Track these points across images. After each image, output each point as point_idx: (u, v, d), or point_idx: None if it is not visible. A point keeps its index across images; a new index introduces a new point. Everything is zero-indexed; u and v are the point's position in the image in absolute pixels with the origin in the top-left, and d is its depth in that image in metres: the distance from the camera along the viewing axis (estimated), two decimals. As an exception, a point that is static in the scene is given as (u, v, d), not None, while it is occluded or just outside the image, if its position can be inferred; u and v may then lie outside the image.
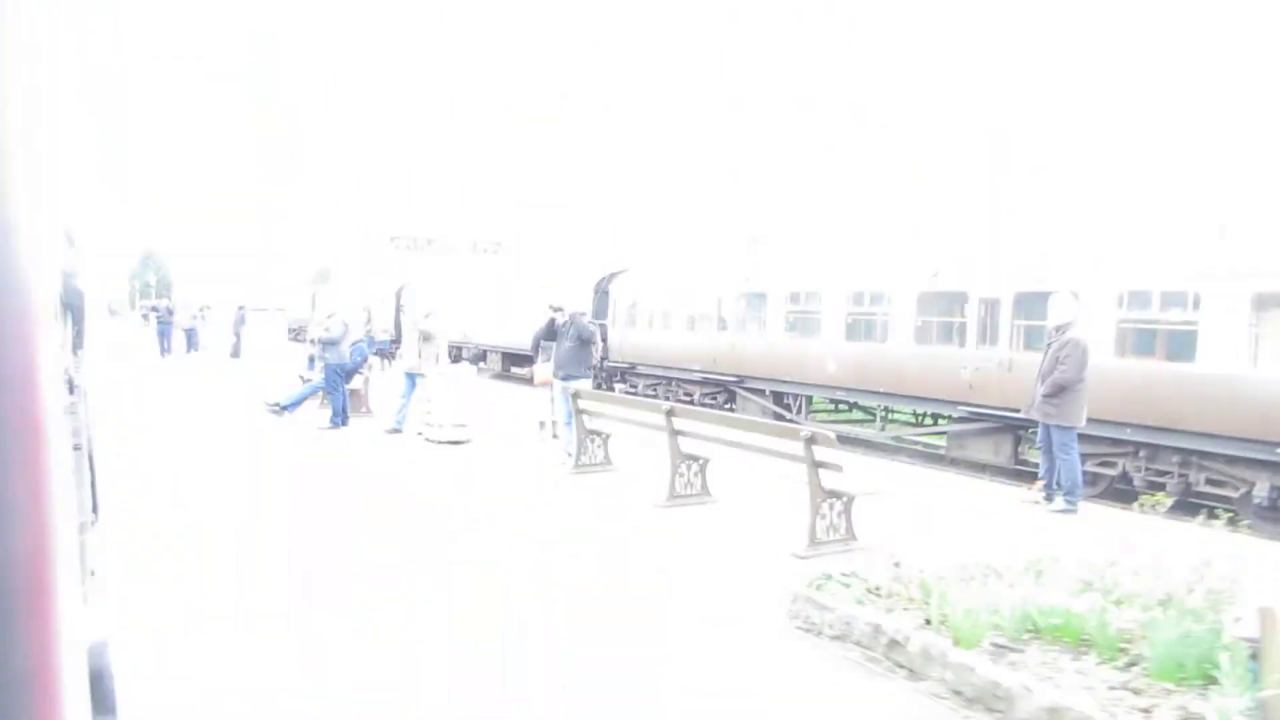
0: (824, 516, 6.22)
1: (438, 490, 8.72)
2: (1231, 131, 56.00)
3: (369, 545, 6.58)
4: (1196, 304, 10.46)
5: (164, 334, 28.23)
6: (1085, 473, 11.58)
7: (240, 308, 28.25)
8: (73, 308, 12.02)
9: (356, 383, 14.25)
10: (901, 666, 4.05)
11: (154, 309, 33.42)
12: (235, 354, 25.21)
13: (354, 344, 13.60)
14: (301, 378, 17.55)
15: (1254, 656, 3.31)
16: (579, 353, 9.51)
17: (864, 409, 17.26)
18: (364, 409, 14.41)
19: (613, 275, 24.15)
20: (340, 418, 13.13)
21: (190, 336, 29.11)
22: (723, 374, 18.63)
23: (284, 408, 13.98)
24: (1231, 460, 10.10)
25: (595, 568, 6.07)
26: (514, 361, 25.35)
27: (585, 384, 9.46)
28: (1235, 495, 10.05)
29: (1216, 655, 3.37)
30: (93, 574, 2.59)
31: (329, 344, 13.20)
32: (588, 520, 7.41)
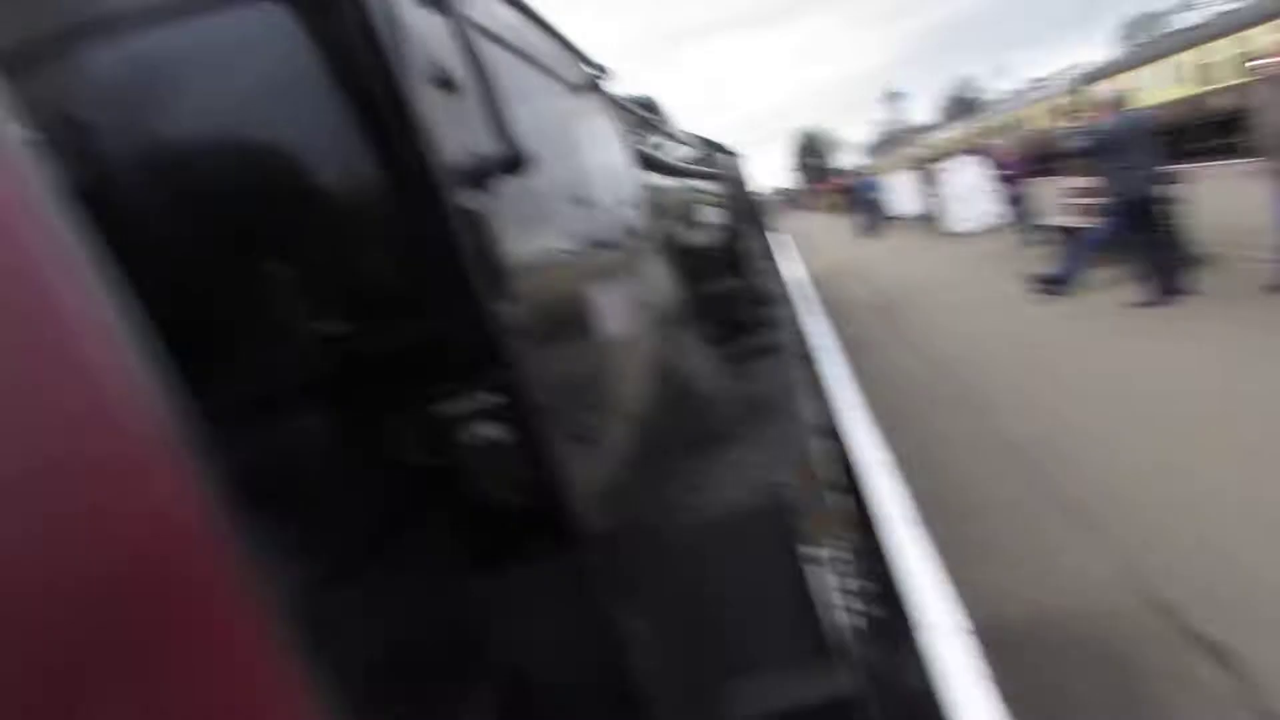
0: None
1: None
2: None
3: None
4: None
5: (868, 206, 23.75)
6: None
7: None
8: (751, 217, 9.04)
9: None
10: None
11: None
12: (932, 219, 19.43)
13: (1138, 158, 7.78)
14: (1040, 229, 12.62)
15: None
16: None
17: None
18: (1177, 266, 8.02)
19: None
20: (1167, 283, 7.69)
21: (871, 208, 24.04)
22: None
23: (1055, 281, 9.37)
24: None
25: None
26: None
27: None
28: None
29: None
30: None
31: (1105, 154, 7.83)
32: None
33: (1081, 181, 9.23)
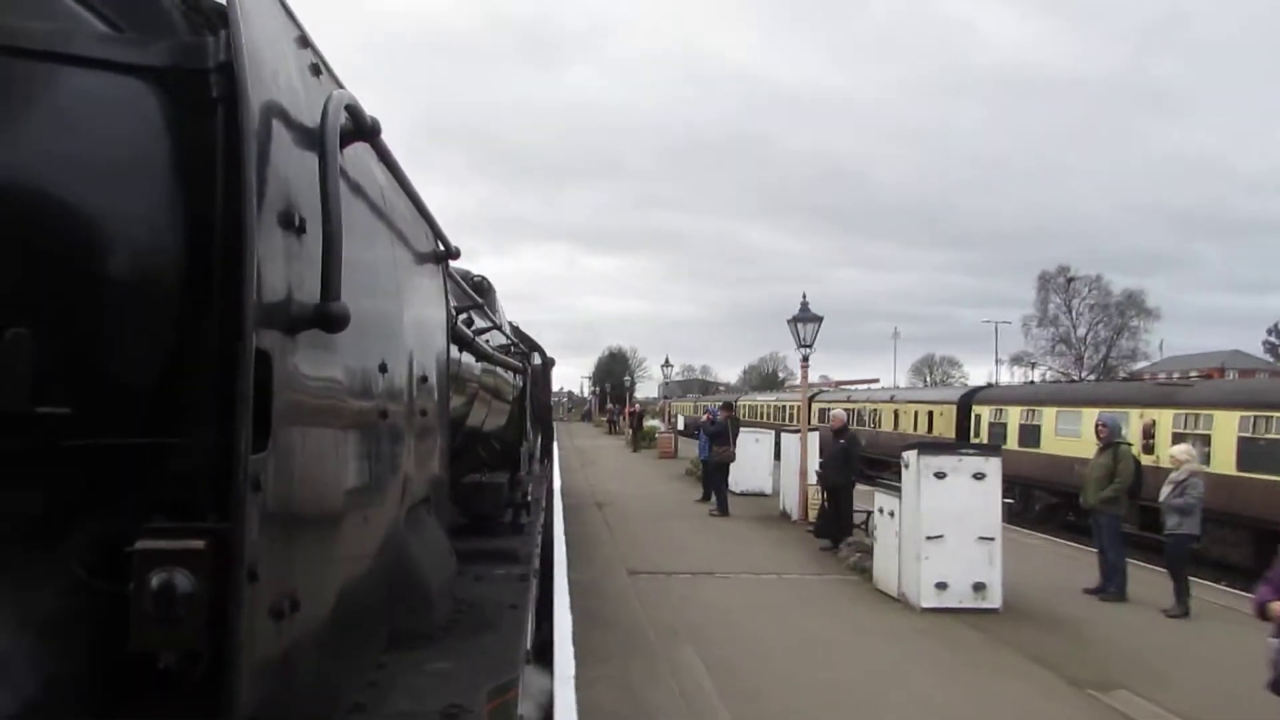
0: None
1: None
2: None
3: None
4: None
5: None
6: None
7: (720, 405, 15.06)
8: (542, 423, 9.88)
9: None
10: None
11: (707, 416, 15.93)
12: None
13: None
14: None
15: None
16: None
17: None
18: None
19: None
20: None
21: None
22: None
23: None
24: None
25: None
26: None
27: None
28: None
29: None
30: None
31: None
32: None
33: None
